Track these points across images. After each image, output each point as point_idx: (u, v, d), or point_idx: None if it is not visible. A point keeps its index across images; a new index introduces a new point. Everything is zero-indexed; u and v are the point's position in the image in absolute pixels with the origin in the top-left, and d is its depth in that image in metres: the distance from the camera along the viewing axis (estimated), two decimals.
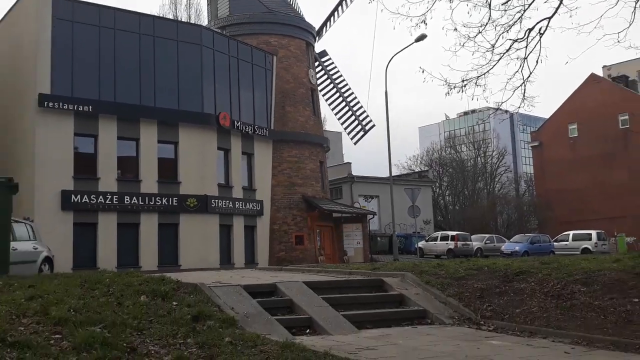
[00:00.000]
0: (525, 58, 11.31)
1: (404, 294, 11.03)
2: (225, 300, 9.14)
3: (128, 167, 27.77)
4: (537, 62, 11.34)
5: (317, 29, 39.98)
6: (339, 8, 40.63)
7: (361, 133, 40.62)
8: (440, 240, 40.36)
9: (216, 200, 29.41)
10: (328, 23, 41.10)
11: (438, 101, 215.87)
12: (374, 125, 41.08)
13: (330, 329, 8.99)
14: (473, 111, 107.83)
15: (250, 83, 32.62)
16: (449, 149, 75.91)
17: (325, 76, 40.75)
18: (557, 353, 7.75)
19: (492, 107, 12.98)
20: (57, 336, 6.49)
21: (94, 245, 25.68)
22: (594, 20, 10.93)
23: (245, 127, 31.57)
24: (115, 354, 6.05)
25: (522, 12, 10.92)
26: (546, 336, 8.78)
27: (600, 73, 65.33)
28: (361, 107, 40.86)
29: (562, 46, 27.61)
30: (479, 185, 69.15)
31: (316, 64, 39.91)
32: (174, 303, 8.55)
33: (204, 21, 44.01)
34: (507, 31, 11.07)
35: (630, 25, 10.67)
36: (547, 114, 66.04)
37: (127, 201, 26.68)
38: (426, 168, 65.77)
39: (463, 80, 11.60)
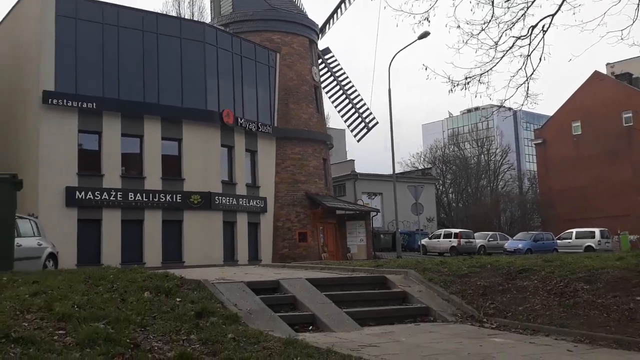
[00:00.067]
0: (529, 55, 11.29)
1: (407, 291, 11.04)
2: (229, 296, 9.16)
3: (132, 164, 27.83)
4: (540, 59, 11.32)
5: (320, 26, 39.96)
6: (342, 5, 40.60)
7: (364, 130, 40.63)
8: (444, 238, 40.37)
9: (220, 197, 29.45)
10: (331, 20, 41.06)
11: (441, 98, 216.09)
12: (377, 123, 41.12)
13: (333, 325, 9.00)
14: (476, 108, 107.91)
15: (254, 80, 32.64)
16: (452, 147, 75.82)
17: (329, 73, 40.74)
18: (560, 351, 7.75)
19: (496, 104, 12.97)
20: (60, 332, 6.51)
21: (98, 242, 25.75)
22: (598, 17, 10.88)
23: (249, 124, 31.60)
24: (119, 349, 6.06)
25: (525, 9, 10.89)
26: (549, 334, 8.78)
27: (603, 70, 65.19)
28: (364, 104, 40.90)
29: (566, 43, 27.49)
30: (482, 183, 69.06)
31: (319, 61, 39.90)
32: (178, 299, 8.58)
33: (207, 18, 44.05)
34: (510, 28, 11.05)
35: (633, 22, 10.64)
36: (550, 112, 65.99)
37: (131, 198, 26.74)
38: (429, 165, 65.69)
39: (466, 78, 11.58)
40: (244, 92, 31.98)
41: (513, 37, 11.22)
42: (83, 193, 25.53)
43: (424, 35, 28.77)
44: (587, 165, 55.51)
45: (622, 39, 10.76)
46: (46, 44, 25.44)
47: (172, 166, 28.54)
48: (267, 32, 35.77)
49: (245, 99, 31.96)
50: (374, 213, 39.43)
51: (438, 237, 41.23)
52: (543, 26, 11.10)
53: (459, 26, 11.08)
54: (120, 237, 26.19)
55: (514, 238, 41.98)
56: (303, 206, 34.27)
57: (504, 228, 56.78)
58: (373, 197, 48.41)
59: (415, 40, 30.49)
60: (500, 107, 12.30)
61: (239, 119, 31.00)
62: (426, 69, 11.71)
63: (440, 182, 64.84)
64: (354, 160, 51.55)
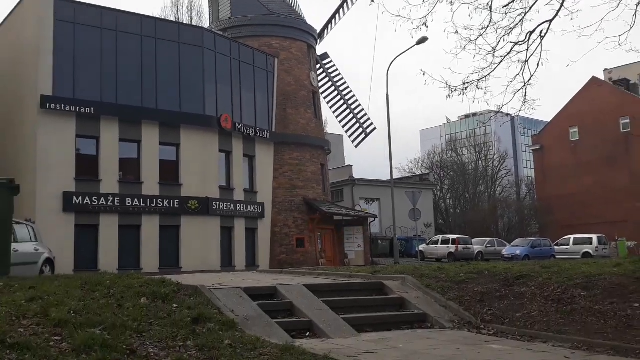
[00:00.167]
0: (526, 61, 11.31)
1: (405, 297, 11.02)
2: (226, 302, 9.14)
3: (130, 169, 27.81)
4: (538, 65, 11.33)
5: (318, 31, 40.03)
6: (341, 10, 40.67)
7: (362, 136, 40.66)
8: (441, 244, 40.33)
9: (217, 203, 29.43)
10: (329, 25, 41.14)
11: (439, 104, 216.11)
12: (375, 128, 41.14)
13: (330, 332, 8.98)
14: (474, 114, 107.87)
15: (252, 85, 32.66)
16: (450, 152, 75.90)
17: (327, 78, 40.79)
18: (557, 357, 7.73)
19: (493, 110, 12.99)
20: (57, 338, 6.49)
21: (95, 247, 25.70)
22: (595, 23, 10.91)
23: (247, 130, 31.60)
24: (115, 356, 6.05)
25: (523, 14, 10.91)
26: (546, 340, 8.77)
27: (601, 76, 65.31)
28: (362, 109, 40.93)
29: (563, 49, 27.64)
30: (480, 189, 69.15)
31: (317, 66, 39.95)
32: (174, 305, 8.57)
33: (206, 23, 44.11)
34: (508, 34, 11.07)
35: (631, 28, 10.67)
36: (548, 118, 66.08)
37: (129, 203, 26.70)
38: (427, 171, 65.74)
39: (464, 83, 11.60)
40: (242, 97, 32.00)
41: (511, 42, 11.25)
42: (80, 198, 25.50)
43: (422, 40, 28.82)
44: (585, 172, 55.57)
45: (619, 44, 10.80)
46: (44, 48, 25.46)
47: (169, 171, 28.52)
48: (266, 37, 35.82)
49: (243, 104, 31.97)
50: (372, 219, 39.45)
51: (436, 243, 41.19)
52: (541, 32, 11.13)
53: (457, 32, 11.11)
54: (117, 243, 26.15)
55: (511, 244, 41.94)
56: (301, 212, 34.25)
57: (502, 234, 56.81)
58: (371, 202, 48.43)
59: (414, 46, 30.59)
60: (497, 112, 12.32)
61: (237, 124, 31.01)
62: (424, 74, 11.71)
63: (438, 188, 64.90)
64: (351, 166, 51.56)
